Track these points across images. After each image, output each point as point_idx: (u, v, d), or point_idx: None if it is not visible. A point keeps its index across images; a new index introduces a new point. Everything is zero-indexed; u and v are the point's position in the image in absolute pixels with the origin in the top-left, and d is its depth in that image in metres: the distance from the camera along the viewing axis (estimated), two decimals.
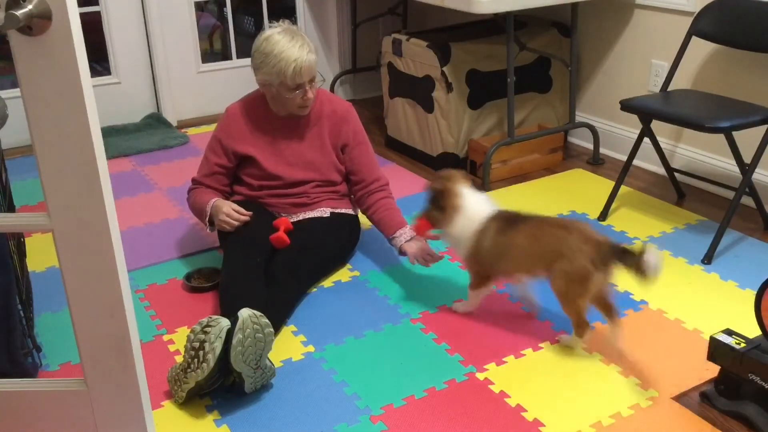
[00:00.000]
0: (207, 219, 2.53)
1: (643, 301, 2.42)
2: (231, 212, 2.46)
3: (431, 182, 2.29)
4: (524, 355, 2.17)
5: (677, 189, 3.17)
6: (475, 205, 2.21)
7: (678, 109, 2.77)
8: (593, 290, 2.06)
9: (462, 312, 2.36)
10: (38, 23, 1.13)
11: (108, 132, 3.96)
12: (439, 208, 2.21)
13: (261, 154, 2.57)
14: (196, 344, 1.91)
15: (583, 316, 2.12)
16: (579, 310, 2.11)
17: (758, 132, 2.69)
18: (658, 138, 3.07)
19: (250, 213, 2.47)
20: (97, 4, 3.93)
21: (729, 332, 1.93)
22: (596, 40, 3.60)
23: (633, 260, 1.99)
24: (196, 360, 1.91)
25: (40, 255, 2.74)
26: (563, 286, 2.08)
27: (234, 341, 1.88)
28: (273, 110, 2.58)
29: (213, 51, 4.57)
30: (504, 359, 2.15)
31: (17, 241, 2.14)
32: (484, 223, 2.18)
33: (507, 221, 2.17)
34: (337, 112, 2.62)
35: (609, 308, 2.13)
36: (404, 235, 2.52)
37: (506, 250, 2.16)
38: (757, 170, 2.85)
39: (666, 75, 3.03)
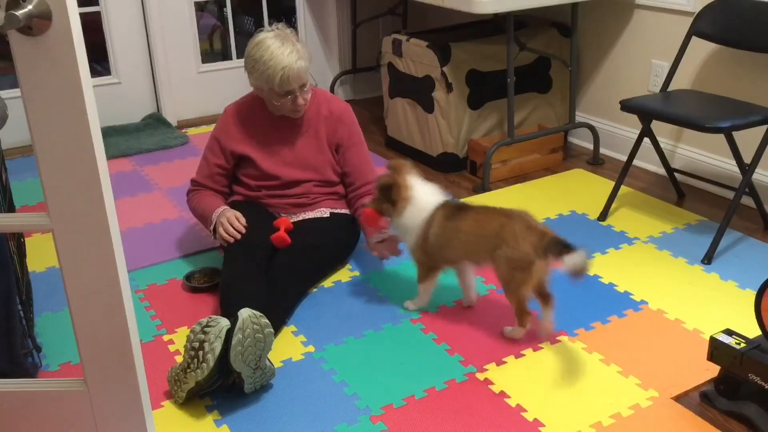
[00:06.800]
0: (212, 227, 2.51)
1: (643, 301, 2.42)
2: (232, 218, 2.44)
3: (380, 176, 2.33)
4: (524, 355, 2.17)
5: (677, 189, 3.17)
6: (425, 196, 2.27)
7: (678, 109, 2.77)
8: (536, 278, 2.10)
9: (413, 309, 2.39)
10: (38, 23, 1.13)
11: (108, 132, 3.96)
12: (389, 200, 2.27)
13: (258, 154, 2.57)
14: (196, 344, 1.91)
15: (525, 304, 2.16)
16: (521, 298, 2.15)
17: (758, 132, 2.69)
18: (658, 138, 3.07)
19: (244, 229, 2.44)
20: (97, 4, 3.93)
21: (729, 332, 1.93)
22: (596, 40, 3.60)
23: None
24: (195, 360, 1.91)
25: (40, 255, 2.74)
26: (507, 274, 2.13)
27: (234, 341, 1.88)
28: (270, 110, 2.58)
29: (213, 51, 4.57)
30: (504, 359, 2.15)
31: (17, 241, 2.14)
32: (432, 213, 2.24)
33: (453, 209, 2.24)
34: (333, 113, 2.62)
35: (547, 298, 2.18)
36: (379, 236, 2.53)
37: (452, 236, 2.21)
38: (757, 170, 2.85)
39: (666, 75, 3.03)
